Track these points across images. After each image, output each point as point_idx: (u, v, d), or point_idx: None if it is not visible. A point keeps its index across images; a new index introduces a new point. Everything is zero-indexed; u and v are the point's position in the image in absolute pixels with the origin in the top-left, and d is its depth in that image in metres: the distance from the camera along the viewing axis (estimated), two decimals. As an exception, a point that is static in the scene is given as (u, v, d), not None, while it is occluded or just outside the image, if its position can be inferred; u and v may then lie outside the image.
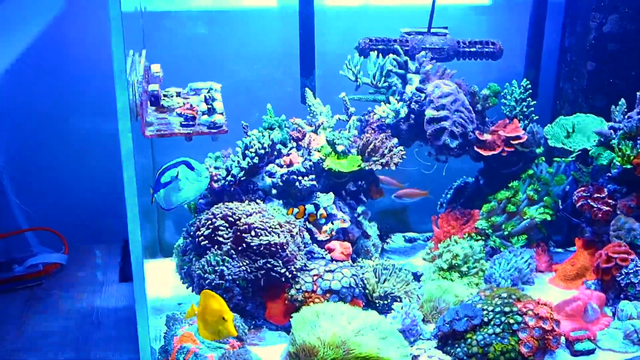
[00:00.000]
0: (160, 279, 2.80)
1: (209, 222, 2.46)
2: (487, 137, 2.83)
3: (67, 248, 3.01)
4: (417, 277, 2.76)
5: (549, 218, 2.83)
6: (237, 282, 2.39)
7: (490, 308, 2.28)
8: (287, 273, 2.41)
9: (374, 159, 2.73)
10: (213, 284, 2.37)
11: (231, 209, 2.48)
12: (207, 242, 2.45)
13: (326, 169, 2.70)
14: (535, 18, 3.15)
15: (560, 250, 3.06)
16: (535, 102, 2.92)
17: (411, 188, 3.01)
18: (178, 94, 2.50)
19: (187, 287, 2.54)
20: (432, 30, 2.99)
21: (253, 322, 2.45)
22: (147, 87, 2.33)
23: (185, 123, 2.25)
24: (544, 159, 2.91)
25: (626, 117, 2.77)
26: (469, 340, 2.24)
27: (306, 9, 2.96)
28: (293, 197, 2.67)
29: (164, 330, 2.36)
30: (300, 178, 2.64)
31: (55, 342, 2.43)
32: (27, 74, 2.92)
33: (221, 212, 2.46)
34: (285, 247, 2.41)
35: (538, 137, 2.90)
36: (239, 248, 2.40)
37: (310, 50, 2.99)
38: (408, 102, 2.84)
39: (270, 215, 2.49)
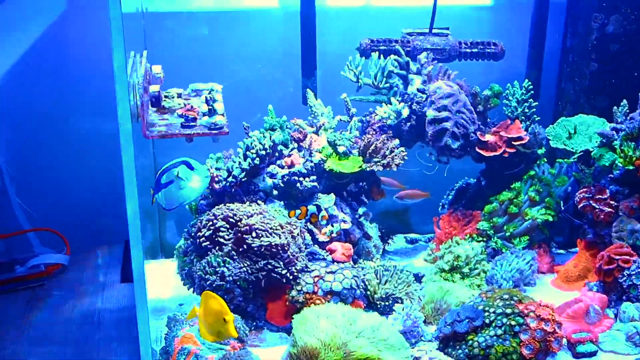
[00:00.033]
0: (162, 279, 2.80)
1: (210, 223, 2.46)
2: (488, 138, 2.82)
3: (68, 249, 3.01)
4: (418, 278, 2.76)
5: (550, 219, 2.83)
6: (238, 283, 2.38)
7: (492, 310, 2.27)
8: (288, 274, 2.41)
9: (375, 160, 2.73)
10: (214, 285, 2.36)
11: (232, 210, 2.48)
12: (208, 243, 2.45)
13: (327, 170, 2.69)
14: (537, 18, 3.14)
15: (562, 251, 3.05)
16: (537, 102, 2.92)
17: (413, 189, 3.01)
18: (179, 95, 2.50)
19: (188, 289, 2.54)
20: (434, 30, 2.98)
21: (254, 324, 2.45)
22: (148, 88, 2.32)
23: (186, 124, 2.25)
24: (545, 160, 2.90)
25: (628, 118, 2.76)
26: (470, 342, 2.23)
27: (307, 10, 2.96)
28: (294, 198, 2.67)
29: (165, 332, 2.35)
30: (301, 179, 2.64)
31: (57, 342, 2.43)
32: (28, 74, 2.92)
33: (222, 213, 2.46)
34: (286, 248, 2.41)
35: (540, 138, 2.89)
36: (240, 249, 2.40)
37: (311, 50, 2.99)
38: (409, 103, 2.84)
39: (271, 216, 2.48)
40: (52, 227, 3.04)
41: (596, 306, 2.40)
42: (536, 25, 3.15)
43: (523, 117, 2.89)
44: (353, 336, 2.18)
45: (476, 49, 2.98)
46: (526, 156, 2.89)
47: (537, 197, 2.83)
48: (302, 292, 2.41)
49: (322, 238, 2.63)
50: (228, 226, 2.45)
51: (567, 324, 2.35)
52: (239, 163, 2.61)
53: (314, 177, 2.67)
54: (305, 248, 2.56)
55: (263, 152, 2.62)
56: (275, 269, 2.39)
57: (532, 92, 2.90)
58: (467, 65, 3.01)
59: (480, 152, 2.82)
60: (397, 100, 2.86)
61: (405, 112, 2.82)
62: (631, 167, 2.61)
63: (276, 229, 2.41)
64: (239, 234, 2.40)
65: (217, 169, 2.64)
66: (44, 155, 3.05)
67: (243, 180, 2.62)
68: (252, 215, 2.45)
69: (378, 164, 2.72)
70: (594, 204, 2.70)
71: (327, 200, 2.66)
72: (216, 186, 2.61)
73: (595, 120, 2.92)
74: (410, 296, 2.55)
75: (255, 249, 2.38)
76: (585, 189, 2.75)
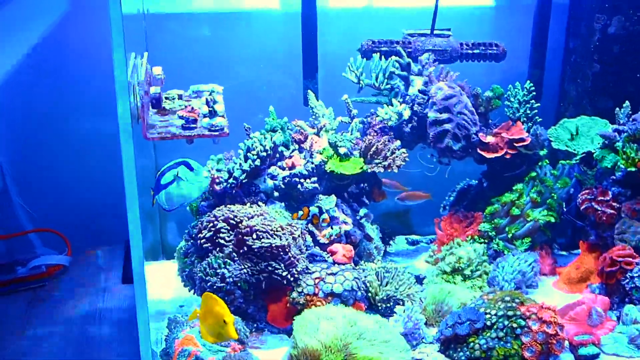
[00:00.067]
0: (163, 281, 2.80)
1: (211, 224, 2.45)
2: (490, 139, 2.81)
3: (69, 250, 3.01)
4: (419, 280, 2.76)
5: (553, 220, 2.82)
6: (239, 284, 2.38)
7: (493, 312, 2.26)
8: (288, 276, 2.41)
9: (377, 161, 2.72)
10: (214, 286, 2.36)
11: (233, 211, 2.47)
12: (208, 244, 2.45)
13: (328, 171, 2.69)
14: (539, 19, 3.14)
15: (564, 253, 3.04)
16: (539, 104, 2.90)
17: (414, 190, 3.00)
18: (180, 97, 2.49)
19: (189, 290, 2.54)
20: (435, 31, 2.97)
21: (255, 325, 2.44)
22: (148, 89, 2.32)
23: (187, 126, 2.25)
24: (547, 161, 2.89)
25: (630, 119, 2.75)
26: (472, 344, 2.23)
27: (308, 11, 2.96)
28: (295, 199, 2.67)
29: (166, 333, 2.35)
30: (302, 180, 2.63)
31: (58, 343, 2.43)
32: (30, 74, 2.92)
33: (223, 215, 2.46)
34: (287, 249, 2.40)
35: (542, 139, 2.88)
36: (241, 251, 2.40)
37: (312, 52, 2.98)
38: (411, 105, 2.84)
39: (272, 217, 2.48)
40: (54, 227, 3.04)
41: (598, 308, 2.40)
42: (538, 26, 3.14)
43: (525, 119, 2.89)
44: (354, 338, 2.18)
45: (478, 50, 2.97)
46: (528, 158, 2.88)
47: (538, 198, 2.82)
48: (303, 293, 2.41)
49: (322, 240, 2.62)
50: (229, 227, 2.44)
51: (569, 326, 2.34)
52: (240, 164, 2.61)
53: (315, 179, 2.66)
54: (306, 249, 2.55)
55: (264, 154, 2.62)
56: (276, 271, 2.39)
57: (534, 93, 2.89)
58: (469, 67, 3.00)
59: (482, 153, 2.81)
60: (399, 101, 2.85)
61: (407, 114, 2.82)
62: (633, 169, 2.60)
63: (277, 231, 2.41)
64: (240, 236, 2.40)
65: (218, 170, 2.64)
66: (45, 155, 3.05)
67: (244, 181, 2.61)
68: (252, 217, 2.45)
69: (379, 165, 2.72)
70: (596, 206, 2.69)
71: (328, 202, 2.66)
72: (217, 187, 2.61)
73: (598, 122, 2.91)
74: (411, 298, 2.55)
75: (256, 250, 2.38)
76: (587, 191, 2.74)
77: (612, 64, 2.97)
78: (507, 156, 2.82)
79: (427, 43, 2.94)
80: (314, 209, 2.61)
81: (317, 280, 2.43)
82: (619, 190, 2.69)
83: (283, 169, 2.68)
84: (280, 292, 2.45)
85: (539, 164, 2.89)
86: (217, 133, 2.24)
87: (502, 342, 2.19)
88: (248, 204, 2.58)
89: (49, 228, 3.03)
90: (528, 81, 2.90)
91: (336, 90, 2.90)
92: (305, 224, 2.61)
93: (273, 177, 2.66)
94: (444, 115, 2.74)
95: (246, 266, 2.39)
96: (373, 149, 2.72)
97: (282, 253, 2.40)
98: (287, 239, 2.41)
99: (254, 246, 2.37)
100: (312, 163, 2.69)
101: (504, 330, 2.21)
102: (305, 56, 2.99)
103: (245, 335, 2.33)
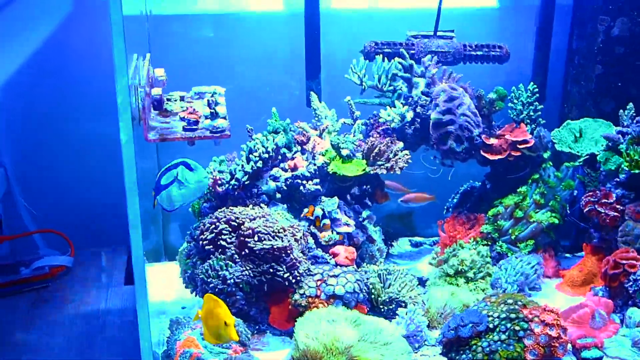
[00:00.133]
0: (165, 282, 2.80)
1: (213, 226, 2.45)
2: (493, 141, 2.81)
3: (73, 250, 3.01)
4: (422, 282, 2.75)
5: (556, 222, 2.81)
6: (241, 286, 2.38)
7: (496, 314, 2.25)
8: (290, 278, 2.40)
9: (379, 163, 2.72)
10: (216, 288, 2.36)
11: (235, 213, 2.47)
12: (210, 246, 2.45)
13: (331, 173, 2.69)
14: (542, 20, 3.13)
15: (568, 255, 3.03)
16: (542, 105, 2.90)
17: (418, 192, 2.99)
18: (182, 98, 2.50)
19: (191, 292, 2.54)
20: (439, 33, 2.97)
21: (256, 327, 2.44)
22: (150, 91, 2.32)
23: (188, 127, 2.24)
24: (551, 163, 2.88)
25: (634, 121, 2.75)
26: (474, 346, 2.22)
27: (312, 12, 2.95)
28: (297, 201, 2.67)
29: (168, 335, 2.35)
30: (304, 182, 2.63)
31: (60, 344, 2.43)
32: (32, 75, 2.93)
33: (225, 216, 2.46)
34: (288, 251, 2.40)
35: (545, 141, 2.87)
36: (243, 252, 2.40)
37: (315, 53, 2.98)
38: (414, 106, 2.83)
39: (274, 219, 2.48)
40: (57, 228, 3.04)
41: (602, 311, 2.39)
42: (542, 28, 3.14)
43: (528, 120, 2.88)
44: (355, 341, 2.18)
45: (481, 52, 2.97)
46: (531, 159, 2.88)
47: (542, 200, 2.81)
48: (304, 295, 2.40)
49: (323, 242, 2.62)
50: (230, 229, 2.44)
51: (572, 329, 2.33)
52: (242, 166, 2.61)
53: (317, 180, 2.66)
54: (308, 251, 2.55)
55: (266, 155, 2.62)
56: (278, 273, 2.38)
57: (538, 95, 2.88)
58: (472, 68, 3.00)
59: (485, 155, 2.80)
60: (401, 103, 2.85)
61: (410, 115, 2.81)
62: (637, 171, 2.59)
63: (279, 232, 2.41)
64: (242, 237, 2.40)
65: (220, 171, 2.64)
66: (48, 156, 3.05)
67: (246, 183, 2.61)
68: (254, 219, 2.45)
69: (382, 167, 2.71)
70: (599, 208, 2.68)
71: (330, 204, 2.65)
72: (219, 189, 2.61)
73: (601, 124, 2.90)
74: (413, 300, 2.54)
75: (258, 252, 2.37)
76: (591, 193, 2.73)
77: (616, 65, 2.96)
78: (511, 158, 2.81)
79: (430, 44, 2.94)
80: (317, 211, 2.61)
81: (319, 282, 2.42)
82: (623, 192, 2.68)
83: (285, 170, 2.68)
84: (282, 294, 2.44)
85: (543, 166, 2.88)
86: (218, 135, 2.24)
87: (504, 345, 2.18)
88: (250, 206, 2.58)
89: (52, 229, 3.04)
90: (531, 83, 2.89)
91: (339, 92, 2.90)
92: (308, 225, 2.61)
93: (275, 179, 2.66)
94: (447, 117, 2.74)
95: (248, 268, 2.39)
96: (376, 150, 2.71)
97: (283, 255, 2.40)
98: (288, 241, 2.41)
99: (255, 248, 2.37)
100: (315, 165, 2.68)
101: (507, 333, 2.20)
102: (308, 57, 2.99)
103: (247, 337, 2.33)
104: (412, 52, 2.92)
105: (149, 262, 3.04)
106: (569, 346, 2.28)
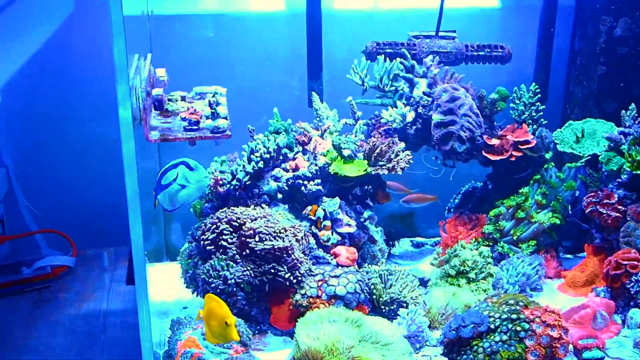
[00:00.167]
0: (166, 282, 2.80)
1: (214, 226, 2.45)
2: (495, 141, 2.80)
3: (75, 251, 3.02)
4: (424, 282, 2.75)
5: (558, 222, 2.80)
6: (242, 286, 2.38)
7: (497, 315, 2.25)
8: (291, 278, 2.40)
9: (381, 163, 2.71)
10: (217, 289, 2.36)
11: (236, 213, 2.47)
12: (212, 246, 2.45)
13: (332, 173, 2.68)
14: (545, 21, 3.12)
15: (569, 256, 3.03)
16: (544, 106, 2.90)
17: (420, 193, 2.99)
18: (183, 98, 2.49)
19: (192, 292, 2.54)
20: (440, 33, 2.97)
21: (258, 327, 2.44)
22: (150, 91, 2.32)
23: (189, 127, 2.25)
24: (553, 164, 2.88)
25: (636, 122, 2.74)
26: (475, 347, 2.21)
27: (313, 12, 2.95)
28: (299, 201, 2.67)
29: (169, 335, 2.35)
30: (305, 182, 2.63)
31: (62, 344, 2.44)
32: (34, 76, 2.93)
33: (226, 217, 2.46)
34: (290, 252, 2.40)
35: (547, 141, 2.87)
36: (244, 253, 2.40)
37: (317, 53, 2.98)
38: (415, 107, 2.83)
39: (276, 220, 2.48)
40: (59, 228, 3.05)
41: (603, 312, 2.38)
42: (544, 28, 3.13)
43: (530, 121, 2.88)
44: (357, 341, 2.18)
45: (483, 52, 2.96)
46: (533, 160, 2.87)
47: (543, 200, 2.81)
48: (306, 296, 2.40)
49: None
50: (232, 229, 2.44)
51: (573, 329, 2.32)
52: (243, 166, 2.61)
53: (319, 181, 2.66)
54: (310, 252, 2.55)
55: (267, 156, 2.62)
56: (279, 273, 2.38)
57: (540, 95, 2.88)
58: (475, 68, 2.99)
59: (487, 155, 2.80)
60: (403, 103, 2.85)
61: (411, 116, 2.81)
62: (639, 172, 2.58)
63: (280, 233, 2.41)
64: (243, 238, 2.40)
65: (222, 172, 2.64)
66: (50, 156, 3.06)
67: (247, 183, 2.61)
68: (256, 219, 2.45)
69: (383, 167, 2.71)
70: (601, 209, 2.67)
71: (331, 204, 2.65)
72: (220, 189, 2.61)
73: (603, 124, 2.89)
74: (415, 301, 2.54)
75: (259, 252, 2.37)
76: (592, 194, 2.73)
77: (618, 65, 2.96)
78: (512, 158, 2.80)
79: (432, 45, 2.93)
80: (320, 212, 2.60)
81: (320, 283, 2.42)
82: (625, 193, 2.68)
83: (287, 171, 2.68)
84: (284, 295, 2.44)
85: (545, 166, 2.88)
86: (219, 135, 2.24)
87: (505, 346, 2.18)
88: (251, 206, 2.58)
89: (54, 229, 3.04)
90: (533, 83, 2.89)
91: (340, 92, 2.90)
92: (309, 226, 2.61)
93: (276, 179, 2.66)
94: (449, 118, 2.74)
95: (249, 268, 2.39)
96: (377, 151, 2.71)
97: (285, 255, 2.39)
98: (290, 241, 2.41)
99: (256, 248, 2.37)
100: (316, 165, 2.68)
101: (508, 334, 2.20)
102: (309, 58, 2.99)
103: (248, 338, 2.33)
104: (414, 52, 2.92)
105: (150, 262, 3.05)
106: (571, 347, 2.28)
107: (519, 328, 2.20)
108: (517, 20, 3.20)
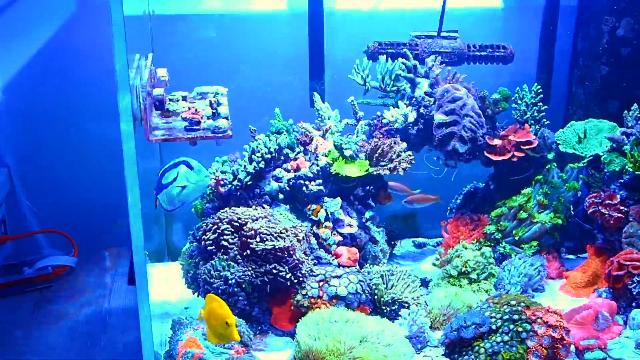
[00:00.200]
0: (168, 282, 2.80)
1: (215, 226, 2.45)
2: (497, 142, 2.80)
3: (76, 251, 3.02)
4: (425, 283, 2.74)
5: (560, 222, 2.80)
6: (243, 286, 2.38)
7: (499, 315, 2.25)
8: (293, 278, 2.40)
9: (382, 163, 2.71)
10: (219, 289, 2.36)
11: (237, 213, 2.47)
12: (213, 246, 2.45)
13: (333, 173, 2.68)
14: (547, 21, 3.12)
15: (572, 256, 3.02)
16: (546, 106, 2.89)
17: (422, 193, 2.99)
18: (184, 98, 2.49)
19: (193, 292, 2.54)
20: (443, 34, 2.96)
21: (259, 328, 2.44)
22: (151, 91, 2.32)
23: (190, 127, 2.24)
24: (555, 164, 2.87)
25: (639, 122, 2.73)
26: (477, 348, 2.21)
27: (315, 12, 2.95)
28: (300, 202, 2.66)
29: (170, 335, 2.35)
30: (307, 183, 2.63)
31: (63, 344, 2.44)
32: (36, 76, 2.94)
33: (227, 217, 2.46)
34: (291, 252, 2.40)
35: (549, 142, 2.86)
36: (245, 253, 2.40)
37: (319, 53, 2.98)
38: (417, 107, 2.82)
39: (277, 220, 2.48)
40: (61, 229, 3.05)
41: (605, 313, 2.38)
42: (546, 28, 3.13)
43: (532, 121, 2.87)
44: (358, 341, 2.17)
45: (485, 52, 2.96)
46: (535, 160, 2.87)
47: (545, 201, 2.80)
48: (307, 296, 2.40)
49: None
50: (233, 230, 2.44)
51: (575, 330, 2.32)
52: (245, 166, 2.61)
53: (320, 181, 2.65)
54: (311, 252, 2.55)
55: (269, 156, 2.61)
56: (280, 273, 2.38)
57: (542, 95, 2.88)
58: (477, 69, 2.99)
59: (489, 156, 2.79)
60: (405, 103, 2.84)
61: (413, 116, 2.81)
62: (641, 172, 2.59)
63: (281, 233, 2.41)
64: (244, 238, 2.39)
65: (223, 172, 2.64)
66: (52, 157, 3.06)
67: (249, 183, 2.61)
68: (257, 219, 2.45)
69: (385, 167, 2.70)
70: (603, 210, 2.67)
71: (333, 204, 2.65)
72: (221, 190, 2.61)
73: (606, 125, 2.88)
74: (416, 301, 2.53)
75: (260, 252, 2.37)
76: (594, 194, 2.72)
77: (621, 66, 2.95)
78: (514, 159, 2.80)
79: (434, 45, 2.93)
80: (322, 214, 2.60)
81: (321, 283, 2.42)
82: (627, 193, 2.67)
83: (288, 171, 2.67)
84: (285, 295, 2.44)
85: (547, 167, 2.87)
86: (220, 135, 2.24)
87: (507, 346, 2.18)
88: (253, 206, 2.58)
89: (55, 229, 3.04)
90: (535, 83, 2.89)
91: (342, 92, 2.89)
92: (310, 226, 2.61)
93: (278, 180, 2.65)
94: (451, 118, 2.73)
95: (250, 268, 2.38)
96: (379, 151, 2.71)
97: (286, 255, 2.39)
98: (291, 241, 2.41)
99: (257, 248, 2.37)
100: (318, 165, 2.68)
101: (510, 334, 2.19)
102: (311, 58, 2.99)
103: (249, 338, 2.33)
104: (416, 52, 2.91)
105: (152, 262, 3.04)
106: (572, 348, 2.27)
107: (520, 329, 2.19)
108: (520, 21, 3.19)
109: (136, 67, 2.17)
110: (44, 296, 2.76)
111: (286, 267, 2.39)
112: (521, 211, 2.81)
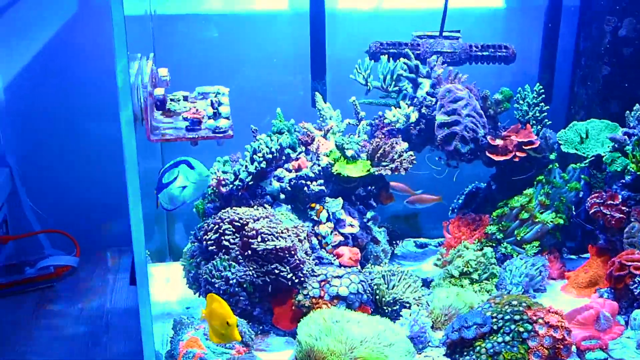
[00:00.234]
0: (169, 282, 2.80)
1: (217, 226, 2.45)
2: (499, 142, 2.79)
3: (78, 250, 3.02)
4: (427, 283, 2.74)
5: (561, 222, 2.79)
6: (244, 286, 2.38)
7: (500, 315, 2.25)
8: (294, 278, 2.40)
9: (384, 163, 2.71)
10: (220, 289, 2.36)
11: (238, 213, 2.47)
12: (214, 246, 2.45)
13: (335, 173, 2.68)
14: (549, 21, 3.12)
15: (573, 257, 3.01)
16: (548, 106, 2.89)
17: (423, 193, 2.98)
18: (185, 98, 2.49)
19: (195, 292, 2.54)
20: (444, 33, 2.96)
21: (260, 328, 2.44)
22: (152, 91, 2.32)
23: (191, 127, 2.24)
24: (557, 164, 2.87)
25: (641, 122, 2.73)
26: (478, 348, 2.21)
27: (317, 12, 2.95)
28: (301, 202, 2.66)
29: (171, 335, 2.35)
30: (308, 183, 2.63)
31: (65, 344, 2.44)
32: (38, 76, 2.94)
33: (228, 217, 2.46)
34: (292, 252, 2.40)
35: (551, 142, 2.86)
36: (246, 253, 2.40)
37: (321, 53, 2.98)
38: (419, 107, 2.82)
39: (278, 220, 2.48)
40: (63, 229, 3.05)
41: (607, 313, 2.37)
42: (549, 28, 3.12)
43: (534, 121, 2.87)
44: (358, 342, 2.17)
45: (487, 52, 2.95)
46: (537, 161, 2.86)
47: (547, 201, 2.80)
48: (308, 296, 2.40)
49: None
50: (234, 230, 2.44)
51: (576, 330, 2.32)
52: (246, 166, 2.61)
53: (322, 181, 2.65)
54: (313, 252, 2.55)
55: (270, 156, 2.61)
56: (282, 273, 2.38)
57: (544, 95, 2.87)
58: (479, 69, 2.98)
59: (491, 156, 2.79)
60: (407, 103, 2.84)
61: (415, 116, 2.80)
62: (643, 173, 2.58)
63: (282, 233, 2.41)
64: (245, 238, 2.39)
65: (224, 172, 2.64)
66: (54, 157, 3.07)
67: (250, 183, 2.61)
68: (258, 219, 2.45)
69: (386, 168, 2.70)
70: (605, 210, 2.67)
71: (334, 204, 2.65)
72: (223, 189, 2.61)
73: (608, 125, 2.88)
74: (418, 301, 2.53)
75: (261, 252, 2.37)
76: (596, 195, 2.72)
77: (623, 66, 2.95)
78: (516, 159, 2.79)
79: (435, 45, 2.93)
80: (324, 215, 2.60)
81: (322, 283, 2.42)
82: (629, 194, 2.66)
83: (289, 171, 2.67)
84: (286, 295, 2.44)
85: (549, 167, 2.87)
86: (221, 135, 2.24)
87: (508, 347, 2.17)
88: (254, 206, 2.58)
89: (57, 229, 3.05)
90: (537, 84, 2.88)
91: (344, 92, 2.89)
92: (312, 226, 2.61)
93: (279, 180, 2.65)
94: (452, 118, 2.73)
95: (251, 268, 2.39)
96: (380, 151, 2.71)
97: (287, 255, 2.39)
98: (292, 241, 2.41)
99: (258, 249, 2.37)
100: (319, 165, 2.68)
101: (511, 335, 2.19)
102: (313, 58, 2.99)
103: (251, 338, 2.33)
104: (418, 52, 2.91)
105: (153, 262, 3.05)
106: (574, 348, 2.27)
107: (521, 329, 2.19)
108: (522, 21, 3.19)
109: (137, 67, 2.17)
110: (46, 296, 2.76)
111: (287, 267, 2.39)
112: (523, 211, 2.81)
